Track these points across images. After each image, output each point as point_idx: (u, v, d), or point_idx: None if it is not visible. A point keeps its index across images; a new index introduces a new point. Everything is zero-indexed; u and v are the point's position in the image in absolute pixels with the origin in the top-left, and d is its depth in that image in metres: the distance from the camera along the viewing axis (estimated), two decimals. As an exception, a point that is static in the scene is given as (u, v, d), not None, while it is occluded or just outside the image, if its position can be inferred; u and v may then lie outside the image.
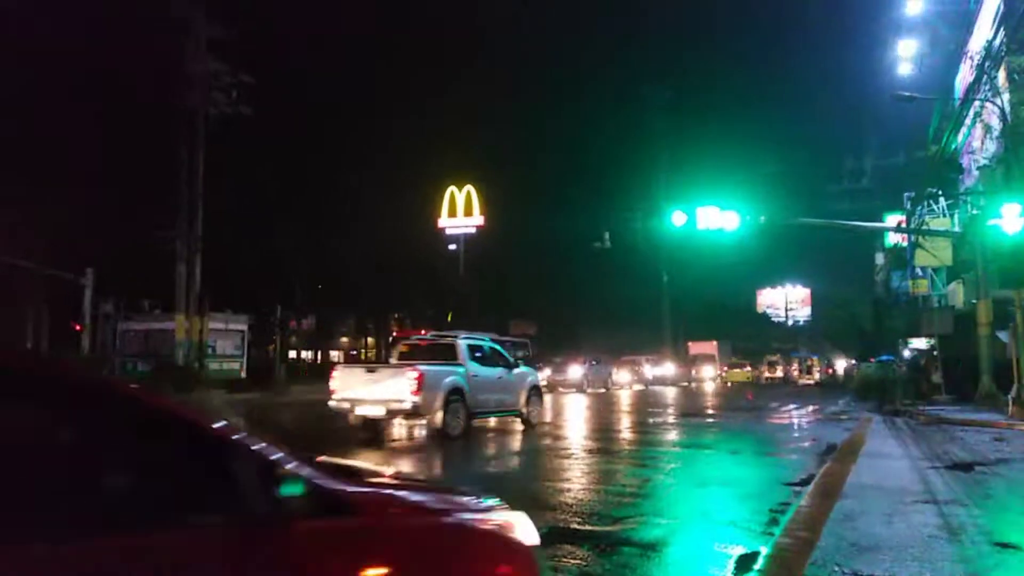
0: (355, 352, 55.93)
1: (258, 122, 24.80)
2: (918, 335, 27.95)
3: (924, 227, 23.55)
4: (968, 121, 19.36)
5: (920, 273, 30.44)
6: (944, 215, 25.79)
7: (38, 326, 28.94)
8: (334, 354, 54.39)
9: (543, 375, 32.81)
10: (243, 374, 28.48)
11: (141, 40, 22.01)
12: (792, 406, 22.12)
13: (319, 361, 46.23)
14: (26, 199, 23.52)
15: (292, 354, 43.03)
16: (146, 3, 22.16)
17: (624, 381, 36.38)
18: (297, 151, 32.40)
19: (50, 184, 24.89)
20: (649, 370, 40.73)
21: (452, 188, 49.82)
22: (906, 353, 29.95)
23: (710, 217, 17.74)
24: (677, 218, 18.19)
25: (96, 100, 24.52)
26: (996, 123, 17.42)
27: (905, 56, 27.43)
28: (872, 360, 31.50)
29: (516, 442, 12.56)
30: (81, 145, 25.35)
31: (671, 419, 18.07)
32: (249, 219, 29.78)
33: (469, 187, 49.69)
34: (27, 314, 27.79)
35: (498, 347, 14.56)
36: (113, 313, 26.31)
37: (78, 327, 27.46)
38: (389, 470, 4.63)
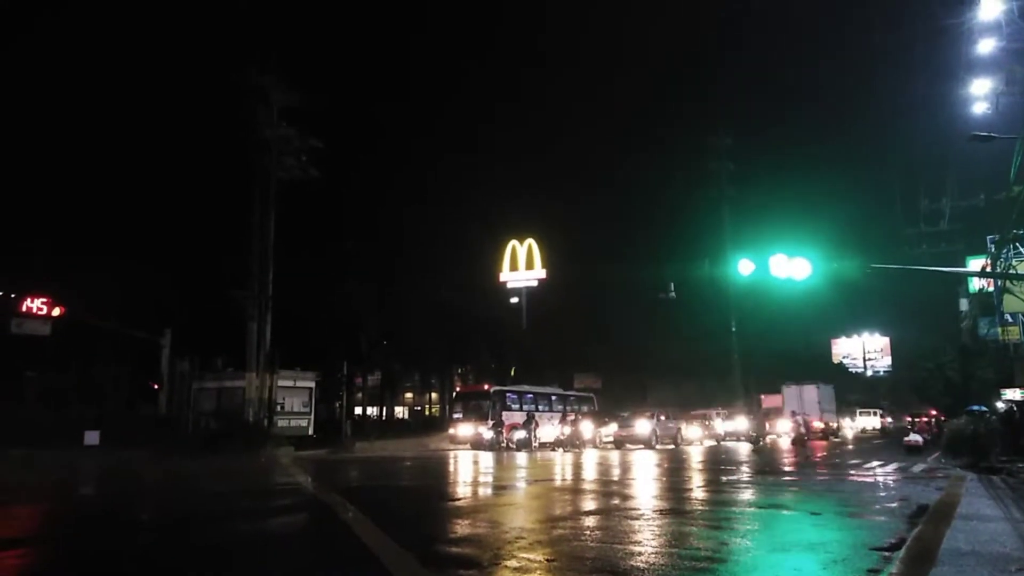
0: (419, 408, 56.00)
1: (327, 182, 25.68)
2: (1012, 386, 26.24)
3: (1011, 271, 22.33)
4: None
5: (1010, 320, 28.78)
6: (1032, 258, 24.46)
7: (119, 385, 30.14)
8: (399, 410, 54.56)
9: (609, 429, 32.14)
10: (311, 431, 28.79)
11: (218, 106, 23.29)
12: (876, 463, 20.93)
13: (383, 417, 46.19)
14: (108, 264, 24.78)
15: (358, 410, 43.39)
16: (224, 72, 23.46)
17: (694, 436, 35.27)
18: (363, 210, 33.32)
19: (130, 249, 26.20)
20: (720, 424, 39.38)
21: (514, 242, 50.14)
22: (999, 405, 28.06)
23: (779, 265, 17.21)
24: (744, 267, 17.73)
25: (171, 165, 25.93)
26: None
27: (979, 95, 26.52)
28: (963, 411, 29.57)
29: (584, 501, 12.18)
30: (157, 211, 26.69)
31: (745, 477, 17.32)
32: (317, 277, 30.60)
33: (531, 240, 49.96)
34: (108, 373, 28.99)
35: None
36: (188, 372, 27.13)
37: (156, 386, 28.49)
38: None
